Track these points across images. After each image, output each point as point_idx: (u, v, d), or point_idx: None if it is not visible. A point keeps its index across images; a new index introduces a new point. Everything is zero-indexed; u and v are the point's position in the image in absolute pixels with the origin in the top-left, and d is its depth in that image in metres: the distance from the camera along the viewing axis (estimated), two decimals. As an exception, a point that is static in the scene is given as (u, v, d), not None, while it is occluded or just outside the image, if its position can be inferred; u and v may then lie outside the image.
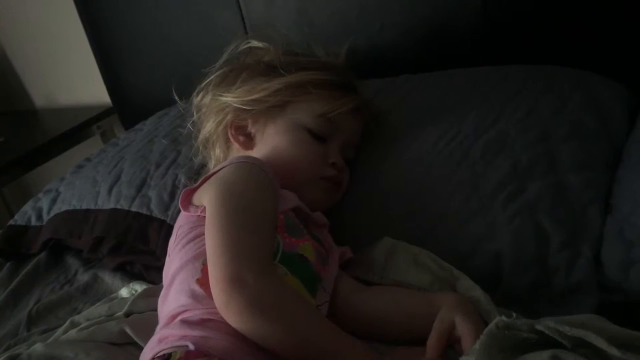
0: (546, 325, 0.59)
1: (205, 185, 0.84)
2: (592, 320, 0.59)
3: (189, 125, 1.09)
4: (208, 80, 1.02)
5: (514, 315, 0.63)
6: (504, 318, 0.62)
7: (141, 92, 1.77)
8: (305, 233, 0.83)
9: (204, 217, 0.79)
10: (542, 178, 0.86)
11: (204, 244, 0.76)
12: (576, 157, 0.88)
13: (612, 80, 1.03)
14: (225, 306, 0.67)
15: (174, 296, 0.76)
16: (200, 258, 0.76)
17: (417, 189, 0.93)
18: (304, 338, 0.67)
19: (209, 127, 1.00)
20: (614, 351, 0.54)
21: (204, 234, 0.77)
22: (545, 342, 0.60)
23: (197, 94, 1.04)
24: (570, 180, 0.85)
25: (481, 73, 1.11)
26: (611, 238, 0.79)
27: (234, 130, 0.97)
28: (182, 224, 0.84)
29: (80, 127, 1.90)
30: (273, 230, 0.78)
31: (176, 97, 1.13)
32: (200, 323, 0.70)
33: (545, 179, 0.86)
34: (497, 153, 0.91)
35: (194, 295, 0.73)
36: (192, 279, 0.74)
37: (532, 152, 0.89)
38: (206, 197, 0.81)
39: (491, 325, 0.62)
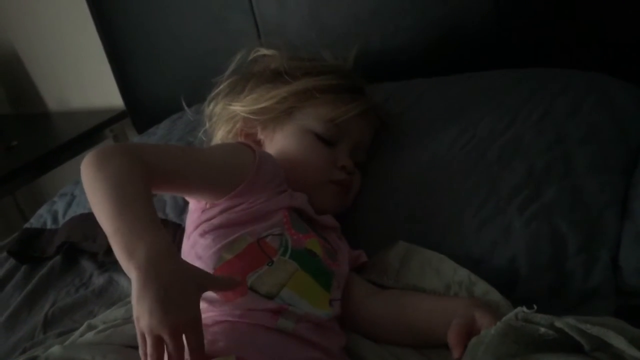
0: (566, 322, 0.59)
1: None
2: (612, 322, 0.59)
3: (200, 134, 1.10)
4: (218, 89, 1.03)
5: (535, 307, 0.63)
6: (524, 309, 0.62)
7: (154, 96, 1.78)
8: (309, 229, 0.84)
9: (208, 209, 0.82)
10: (558, 181, 0.86)
11: (213, 247, 0.78)
12: (592, 161, 0.88)
13: (627, 83, 1.02)
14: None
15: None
16: (211, 263, 0.77)
17: (432, 192, 0.93)
18: (120, 201, 0.69)
19: (219, 135, 1.02)
20: (633, 352, 0.54)
21: (208, 233, 0.79)
22: (562, 342, 0.59)
23: (208, 104, 1.05)
24: (586, 184, 0.85)
25: (495, 76, 1.11)
26: (629, 242, 0.79)
27: (243, 138, 0.98)
28: (188, 223, 0.87)
29: (93, 130, 1.90)
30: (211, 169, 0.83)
31: (185, 107, 1.15)
32: (214, 325, 0.71)
33: (561, 183, 0.86)
34: (512, 156, 0.91)
35: (206, 299, 0.74)
36: None
37: (548, 156, 0.89)
38: None
39: (510, 314, 0.62)
